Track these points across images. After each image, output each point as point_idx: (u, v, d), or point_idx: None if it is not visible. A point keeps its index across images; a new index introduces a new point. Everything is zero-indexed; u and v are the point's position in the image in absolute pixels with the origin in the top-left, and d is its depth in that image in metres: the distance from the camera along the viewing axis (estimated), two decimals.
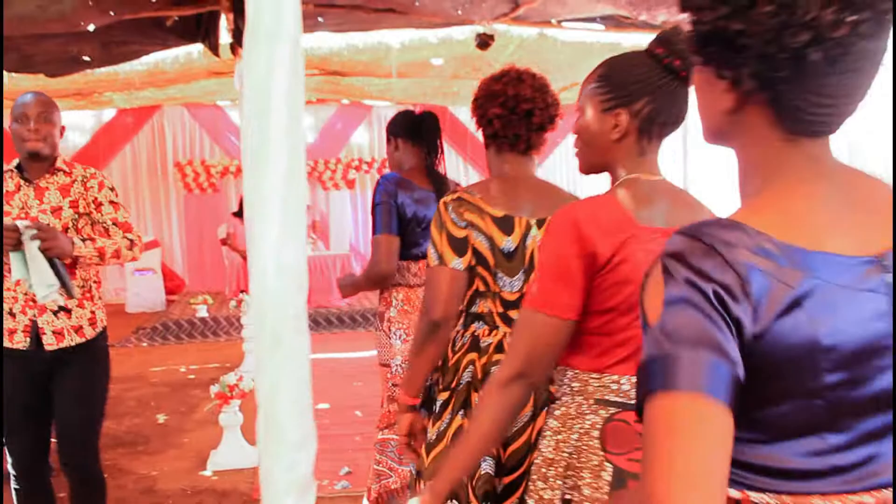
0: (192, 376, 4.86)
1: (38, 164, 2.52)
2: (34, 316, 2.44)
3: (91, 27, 3.89)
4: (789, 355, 0.73)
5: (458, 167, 10.44)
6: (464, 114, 10.32)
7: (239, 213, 8.24)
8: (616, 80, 1.35)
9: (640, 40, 6.21)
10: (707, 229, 0.76)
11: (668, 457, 0.68)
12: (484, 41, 5.06)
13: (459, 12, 4.59)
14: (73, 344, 2.50)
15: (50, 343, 2.47)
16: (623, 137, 1.35)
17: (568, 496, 1.30)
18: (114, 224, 2.58)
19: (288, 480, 1.47)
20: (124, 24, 4.43)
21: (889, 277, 0.76)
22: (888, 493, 0.78)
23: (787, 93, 0.75)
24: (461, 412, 1.75)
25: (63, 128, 2.60)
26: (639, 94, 1.33)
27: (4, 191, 2.49)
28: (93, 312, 2.57)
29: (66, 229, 2.49)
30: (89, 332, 2.55)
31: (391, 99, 9.37)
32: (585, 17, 5.37)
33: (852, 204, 0.79)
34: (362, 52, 5.86)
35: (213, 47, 5.05)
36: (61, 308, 2.47)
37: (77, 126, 9.36)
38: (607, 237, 1.26)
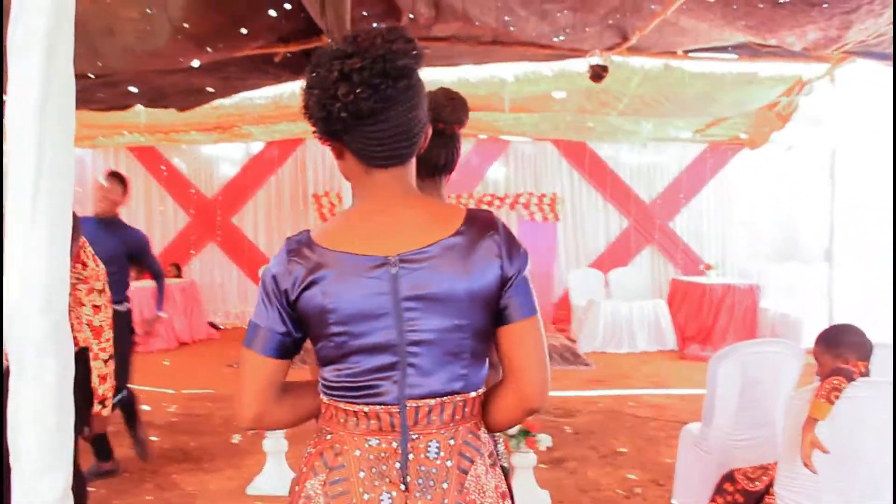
0: None
1: None
2: None
3: (195, 63, 4.03)
4: (311, 313, 1.18)
5: (598, 204, 10.04)
6: (604, 150, 9.91)
7: None
8: None
9: (780, 69, 5.53)
10: (293, 237, 1.22)
11: (239, 380, 1.24)
12: (597, 73, 4.74)
13: (561, 38, 4.32)
14: None
15: None
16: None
17: None
18: None
19: None
20: (238, 60, 4.60)
21: (394, 269, 1.16)
22: (380, 408, 1.18)
23: (350, 142, 1.18)
24: None
25: None
26: None
27: None
28: None
29: None
30: None
31: (522, 134, 9.20)
32: (715, 45, 4.88)
33: (388, 220, 1.19)
34: (477, 87, 5.74)
35: None
36: None
37: (228, 158, 10.04)
38: None
